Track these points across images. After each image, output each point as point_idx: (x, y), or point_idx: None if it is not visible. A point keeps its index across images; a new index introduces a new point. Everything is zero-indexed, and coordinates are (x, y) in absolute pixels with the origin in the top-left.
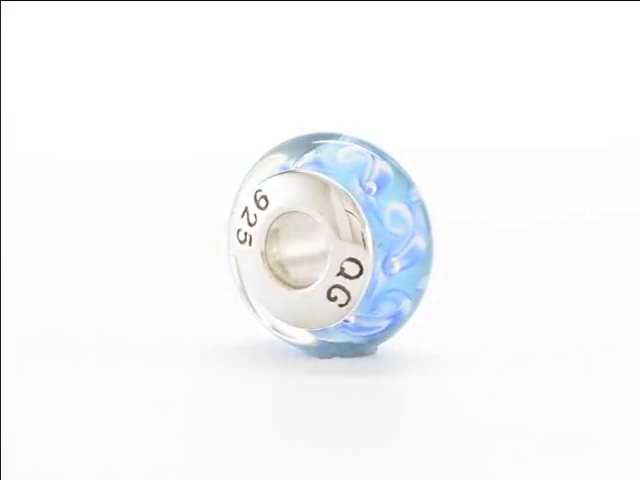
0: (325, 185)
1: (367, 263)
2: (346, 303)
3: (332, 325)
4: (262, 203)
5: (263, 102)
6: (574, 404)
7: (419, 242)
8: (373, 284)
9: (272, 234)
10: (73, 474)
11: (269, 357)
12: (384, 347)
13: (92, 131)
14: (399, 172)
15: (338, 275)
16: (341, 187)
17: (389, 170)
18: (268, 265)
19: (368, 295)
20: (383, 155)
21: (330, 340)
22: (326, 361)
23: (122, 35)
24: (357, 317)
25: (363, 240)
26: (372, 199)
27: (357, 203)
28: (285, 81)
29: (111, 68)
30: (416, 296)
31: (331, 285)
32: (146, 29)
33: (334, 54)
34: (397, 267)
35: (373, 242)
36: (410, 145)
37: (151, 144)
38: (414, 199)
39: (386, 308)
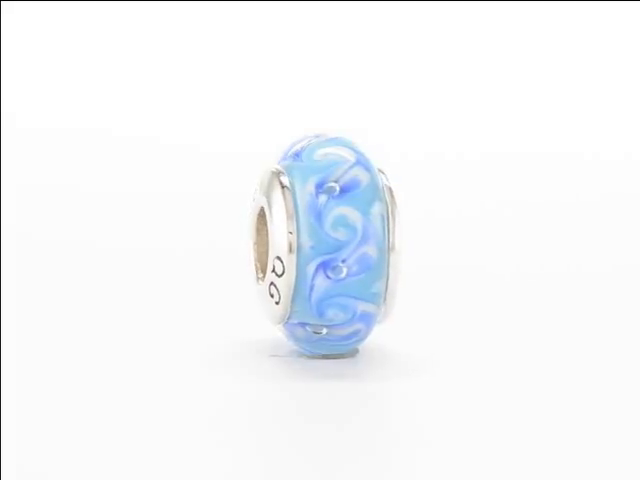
0: (276, 181)
1: (288, 263)
2: (279, 302)
3: (278, 324)
4: (255, 196)
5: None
6: (559, 404)
7: (370, 250)
8: (309, 287)
9: (263, 227)
10: (75, 476)
11: (262, 358)
12: (366, 348)
13: (93, 131)
14: (374, 185)
15: (272, 272)
16: (286, 183)
17: (364, 179)
18: (256, 256)
19: (305, 298)
20: (369, 167)
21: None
22: (312, 363)
23: (123, 36)
24: (328, 327)
25: (289, 240)
26: (321, 200)
27: (297, 201)
28: (300, 87)
29: (112, 68)
30: (375, 299)
31: (270, 282)
32: (147, 31)
33: (342, 62)
34: (344, 272)
35: (302, 243)
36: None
37: (161, 143)
38: (375, 211)
39: (332, 313)
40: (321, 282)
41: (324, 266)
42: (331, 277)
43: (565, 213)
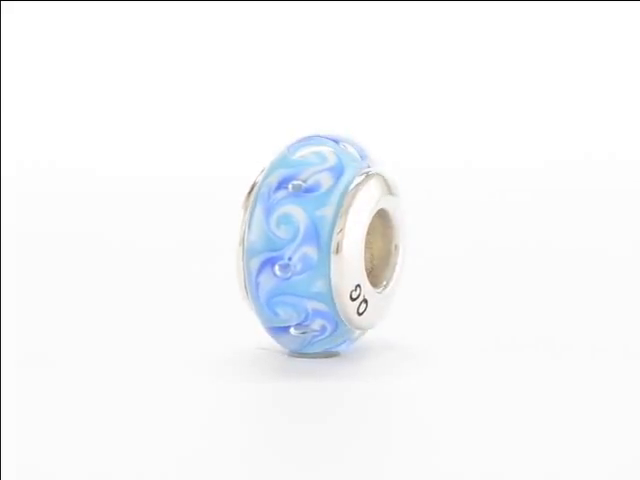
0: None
1: (237, 255)
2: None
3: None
4: None
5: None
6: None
7: (310, 251)
8: (254, 284)
9: None
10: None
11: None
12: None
13: (92, 132)
14: (333, 191)
15: None
16: (258, 178)
17: (325, 184)
18: None
19: (254, 296)
20: (340, 174)
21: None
22: (298, 362)
23: (122, 35)
24: (295, 327)
25: (240, 231)
26: (278, 195)
27: (256, 195)
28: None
29: (111, 69)
30: (321, 298)
31: None
32: (145, 30)
33: (344, 64)
34: (290, 271)
35: (248, 236)
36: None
37: (152, 154)
38: (323, 213)
39: (283, 312)
40: (267, 280)
41: (271, 263)
42: (278, 275)
43: (556, 207)
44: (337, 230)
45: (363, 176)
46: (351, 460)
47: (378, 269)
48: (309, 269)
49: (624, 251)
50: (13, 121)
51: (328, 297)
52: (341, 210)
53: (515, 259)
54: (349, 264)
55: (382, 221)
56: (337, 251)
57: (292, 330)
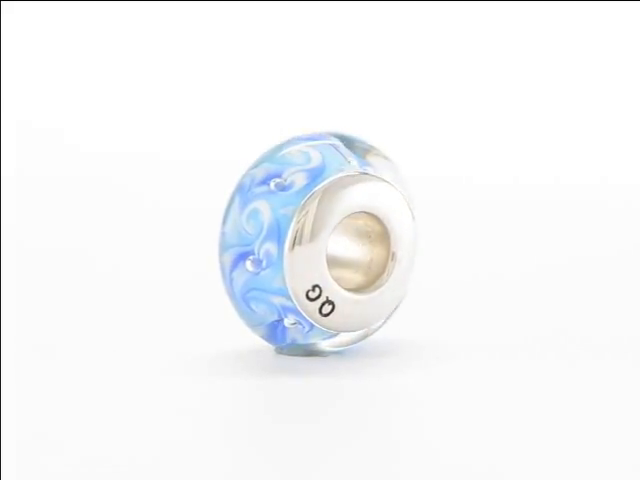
0: None
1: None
2: None
3: None
4: None
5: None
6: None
7: (271, 248)
8: (229, 281)
9: None
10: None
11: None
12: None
13: (89, 132)
14: (301, 192)
15: None
16: (244, 172)
17: (297, 185)
18: None
19: (231, 293)
20: (316, 177)
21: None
22: (292, 361)
23: (121, 36)
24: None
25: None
26: (258, 190)
27: (237, 186)
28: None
29: (110, 69)
30: (284, 293)
31: None
32: (145, 29)
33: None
34: (260, 267)
35: (222, 230)
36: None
37: (147, 146)
38: (285, 212)
39: (255, 306)
40: (239, 275)
41: (243, 258)
42: (250, 270)
43: (558, 214)
44: (294, 224)
45: (338, 178)
46: (344, 458)
47: (373, 274)
48: (271, 265)
49: (627, 258)
50: (11, 119)
51: (287, 294)
52: (298, 208)
53: (518, 261)
54: (303, 263)
55: (381, 227)
56: (292, 248)
57: (286, 321)
